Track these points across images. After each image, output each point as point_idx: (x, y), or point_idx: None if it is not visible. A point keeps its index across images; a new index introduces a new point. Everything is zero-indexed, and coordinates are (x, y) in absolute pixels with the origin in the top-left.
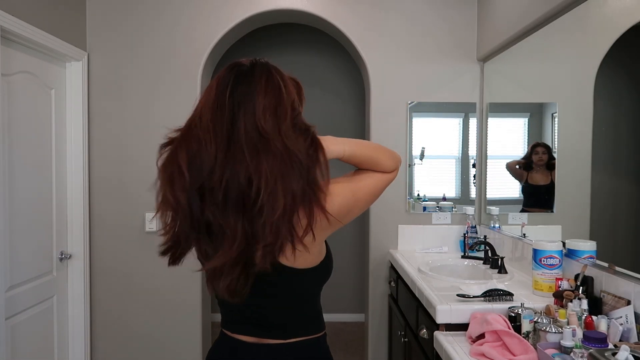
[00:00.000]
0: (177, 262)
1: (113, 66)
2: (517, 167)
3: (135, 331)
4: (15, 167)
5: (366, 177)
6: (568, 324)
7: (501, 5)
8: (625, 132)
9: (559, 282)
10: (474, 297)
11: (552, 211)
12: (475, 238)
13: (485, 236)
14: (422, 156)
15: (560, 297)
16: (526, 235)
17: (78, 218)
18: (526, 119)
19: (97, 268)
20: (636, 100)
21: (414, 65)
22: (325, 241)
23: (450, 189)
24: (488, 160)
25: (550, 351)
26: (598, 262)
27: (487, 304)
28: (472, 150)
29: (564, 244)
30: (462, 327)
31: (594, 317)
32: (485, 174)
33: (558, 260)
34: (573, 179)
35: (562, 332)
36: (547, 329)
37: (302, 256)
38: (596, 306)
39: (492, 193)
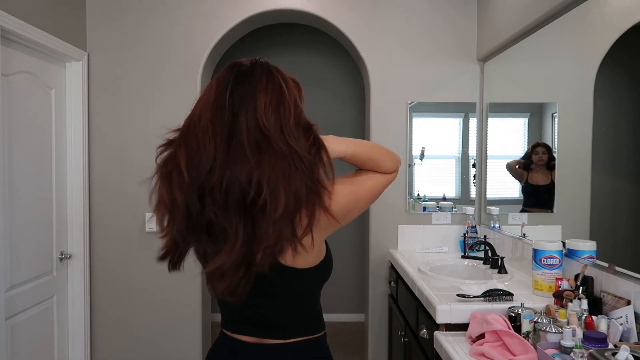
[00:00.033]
0: (177, 266)
1: (113, 66)
2: (517, 167)
3: (135, 331)
4: (15, 167)
5: (367, 178)
6: (568, 324)
7: (501, 5)
8: (625, 132)
9: (559, 282)
10: (474, 297)
11: (552, 211)
12: (475, 238)
13: (485, 236)
14: (422, 156)
15: (560, 297)
16: (526, 235)
17: (78, 218)
18: (526, 119)
19: (97, 268)
20: (636, 100)
21: (414, 65)
22: (325, 241)
23: (450, 189)
24: (488, 160)
25: (550, 351)
26: (598, 262)
27: (487, 304)
28: (472, 150)
29: (564, 244)
30: (462, 327)
31: (594, 317)
32: (485, 174)
33: (558, 260)
34: (573, 179)
35: (562, 332)
36: (547, 329)
37: (302, 256)
38: (596, 306)
39: (492, 193)
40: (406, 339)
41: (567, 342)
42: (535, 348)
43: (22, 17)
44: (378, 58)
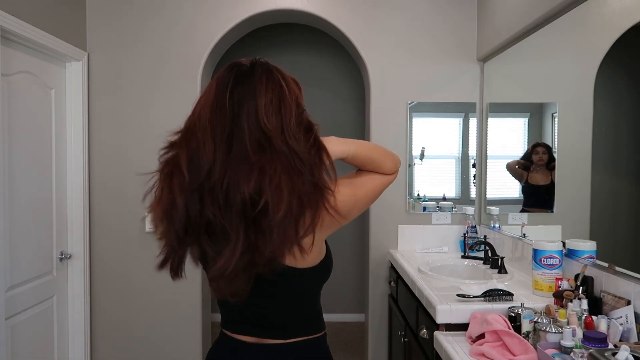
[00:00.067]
0: (179, 272)
1: (113, 66)
2: (517, 167)
3: (135, 331)
4: (15, 167)
5: (367, 179)
6: (568, 324)
7: (501, 5)
8: (625, 132)
9: (559, 282)
10: (474, 297)
11: (552, 211)
12: (475, 238)
13: (485, 236)
14: (422, 156)
15: (560, 297)
16: (526, 235)
17: (78, 218)
18: (526, 119)
19: (97, 268)
20: (636, 100)
21: (414, 65)
22: (325, 241)
23: (450, 189)
24: (488, 160)
25: (550, 351)
26: (598, 262)
27: (487, 304)
28: (472, 150)
29: (564, 244)
30: (462, 327)
31: (594, 317)
32: (485, 174)
33: (558, 260)
34: (573, 179)
35: (562, 332)
36: (547, 329)
37: (302, 256)
38: (596, 306)
39: (492, 193)
40: (406, 339)
41: (567, 342)
42: (535, 348)
43: (22, 17)
44: (378, 58)
